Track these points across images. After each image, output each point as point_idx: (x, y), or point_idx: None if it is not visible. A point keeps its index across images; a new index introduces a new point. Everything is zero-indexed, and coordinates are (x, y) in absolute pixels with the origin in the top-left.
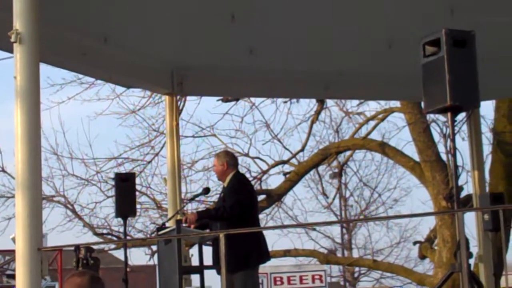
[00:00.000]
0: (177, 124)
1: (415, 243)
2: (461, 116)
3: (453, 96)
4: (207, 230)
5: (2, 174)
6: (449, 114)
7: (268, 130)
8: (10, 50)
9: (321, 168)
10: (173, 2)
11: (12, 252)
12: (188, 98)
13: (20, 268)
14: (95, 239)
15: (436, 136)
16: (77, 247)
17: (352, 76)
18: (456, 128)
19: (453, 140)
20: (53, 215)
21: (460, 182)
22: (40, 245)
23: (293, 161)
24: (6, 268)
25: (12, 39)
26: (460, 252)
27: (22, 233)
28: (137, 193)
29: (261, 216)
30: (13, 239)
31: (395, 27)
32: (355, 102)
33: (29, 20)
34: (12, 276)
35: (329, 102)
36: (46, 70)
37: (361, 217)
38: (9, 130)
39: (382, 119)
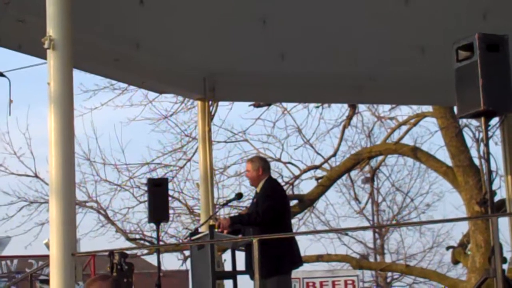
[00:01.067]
0: (210, 130)
1: (448, 248)
2: (495, 120)
3: (487, 101)
4: (240, 236)
5: (35, 180)
6: (482, 119)
7: (300, 135)
8: (44, 56)
9: (353, 173)
10: (205, 8)
11: (45, 257)
12: (220, 103)
13: (54, 273)
14: (128, 244)
15: (469, 141)
16: (111, 253)
17: (384, 80)
18: (490, 133)
19: (486, 145)
20: (86, 221)
21: (493, 187)
22: (74, 250)
23: (325, 166)
24: (39, 273)
25: (46, 45)
26: (494, 257)
27: (56, 239)
28: (169, 198)
29: (293, 221)
30: (46, 244)
31: (428, 32)
32: (387, 107)
33: (63, 26)
34: (46, 282)
35: (361, 107)
36: (79, 77)
37: (394, 222)
38: (42, 136)
39: (415, 124)
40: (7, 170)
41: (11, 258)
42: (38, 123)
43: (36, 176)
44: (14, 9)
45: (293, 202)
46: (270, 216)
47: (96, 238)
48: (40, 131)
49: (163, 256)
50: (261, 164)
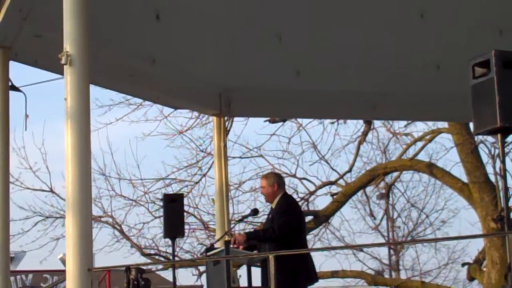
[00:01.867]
0: (225, 145)
1: (463, 264)
2: (511, 137)
3: (503, 117)
4: (255, 251)
5: (50, 195)
6: (499, 136)
7: (315, 151)
8: (60, 72)
9: (368, 189)
10: (221, 24)
11: (60, 272)
12: (236, 118)
13: None
14: (143, 259)
15: (485, 157)
16: (128, 268)
17: (399, 96)
18: (506, 149)
19: (503, 162)
20: (101, 236)
21: (510, 204)
22: (91, 265)
23: (341, 182)
24: None
25: (63, 61)
26: (511, 274)
27: (73, 254)
28: (184, 213)
29: (308, 237)
30: (61, 259)
31: (444, 48)
32: (403, 123)
33: (80, 42)
34: None
35: (377, 123)
36: (94, 92)
37: (409, 238)
38: (57, 151)
39: (430, 140)
40: (23, 184)
41: (26, 272)
42: (53, 138)
43: (51, 191)
44: (31, 24)
45: (308, 218)
46: (285, 232)
47: (111, 253)
48: (56, 146)
49: (178, 271)
50: (276, 180)
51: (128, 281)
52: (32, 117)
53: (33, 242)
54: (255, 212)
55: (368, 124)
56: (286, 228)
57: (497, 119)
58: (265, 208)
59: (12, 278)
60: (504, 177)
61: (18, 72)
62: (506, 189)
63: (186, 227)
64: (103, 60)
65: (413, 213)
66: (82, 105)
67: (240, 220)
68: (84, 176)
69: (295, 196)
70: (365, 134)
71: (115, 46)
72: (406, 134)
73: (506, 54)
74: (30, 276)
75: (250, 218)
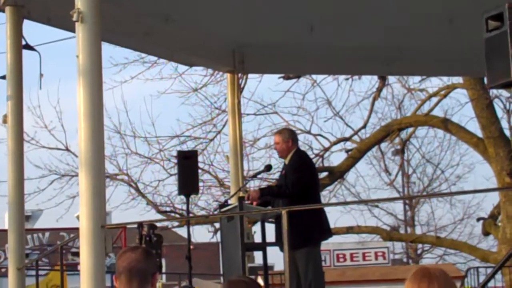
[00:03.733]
0: (239, 102)
1: (478, 219)
2: None
3: None
4: (269, 207)
5: (66, 153)
6: None
7: (329, 107)
8: (73, 30)
9: (383, 145)
10: None
11: (76, 230)
12: (250, 76)
13: (84, 246)
14: (159, 216)
15: (500, 112)
16: (140, 224)
17: (413, 52)
18: None
19: None
20: (116, 194)
21: None
22: (104, 222)
23: (355, 138)
24: (71, 245)
25: (74, 18)
26: None
27: (86, 211)
28: (199, 171)
29: (324, 193)
30: (78, 217)
31: (456, 2)
32: (417, 78)
33: None
34: (77, 254)
35: (391, 79)
36: (108, 50)
37: (424, 193)
38: (73, 109)
39: (445, 96)
40: (38, 143)
41: (43, 231)
42: (69, 97)
43: (67, 149)
44: None
45: (323, 174)
46: (299, 188)
47: (127, 210)
48: (71, 105)
49: (194, 228)
50: (291, 136)
51: (141, 237)
52: (47, 76)
53: (49, 201)
54: (268, 168)
55: (383, 80)
56: (300, 184)
57: (511, 73)
58: (279, 164)
59: (29, 236)
60: None
61: (33, 31)
62: None
63: (201, 184)
64: (117, 18)
65: (428, 169)
66: (94, 62)
67: (254, 176)
68: (97, 133)
69: (309, 152)
70: (379, 90)
71: (128, 4)
72: (421, 90)
73: None
74: (47, 234)
75: (265, 175)
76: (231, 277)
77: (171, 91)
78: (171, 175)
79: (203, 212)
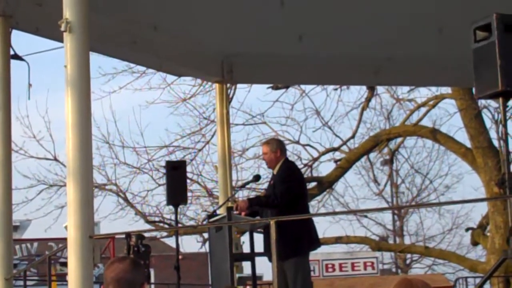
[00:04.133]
0: (228, 112)
1: (467, 229)
2: None
3: (505, 81)
4: (258, 217)
5: (54, 163)
6: (500, 100)
7: (318, 117)
8: (61, 39)
9: (372, 155)
10: None
11: (65, 240)
12: (238, 86)
13: (72, 256)
14: (147, 227)
15: (488, 122)
16: (128, 235)
17: (402, 61)
18: (508, 114)
19: (505, 126)
20: (105, 204)
21: None
22: (92, 232)
23: (344, 148)
24: (59, 256)
25: (62, 28)
26: None
27: (74, 221)
28: (188, 181)
29: (312, 203)
30: (66, 227)
31: (446, 12)
32: (406, 88)
33: (79, 9)
34: (66, 264)
35: (380, 89)
36: (97, 60)
37: (413, 203)
38: (61, 119)
39: (433, 106)
40: (27, 153)
41: (31, 241)
42: (57, 107)
43: (55, 159)
44: None
45: (311, 184)
46: (287, 198)
47: (115, 220)
48: (59, 115)
49: (182, 238)
50: (279, 146)
51: (129, 247)
52: (36, 86)
53: (38, 211)
54: (256, 178)
55: (371, 90)
56: (288, 194)
57: (499, 83)
58: (268, 175)
59: (17, 247)
60: (505, 141)
61: (22, 41)
62: (508, 153)
63: (190, 194)
64: (104, 27)
65: (417, 179)
66: (82, 72)
67: (242, 186)
68: (85, 143)
69: (298, 162)
70: (368, 100)
71: (116, 13)
72: (410, 100)
73: (507, 17)
74: (35, 244)
75: (253, 185)
76: (223, 286)
77: (160, 101)
78: (159, 185)
79: (191, 222)
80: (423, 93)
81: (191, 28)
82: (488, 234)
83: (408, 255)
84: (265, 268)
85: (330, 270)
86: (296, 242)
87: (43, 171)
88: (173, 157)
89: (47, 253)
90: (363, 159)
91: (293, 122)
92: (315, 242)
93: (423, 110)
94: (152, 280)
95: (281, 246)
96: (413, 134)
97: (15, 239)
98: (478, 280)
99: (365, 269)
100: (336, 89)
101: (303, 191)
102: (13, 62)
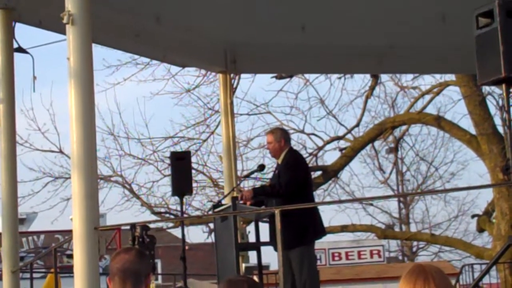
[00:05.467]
0: (232, 102)
1: (473, 216)
2: None
3: (508, 67)
4: (263, 207)
5: (60, 155)
6: (503, 86)
7: (322, 106)
8: (64, 32)
9: (377, 143)
10: None
11: (71, 232)
12: (242, 76)
13: (78, 247)
14: (153, 218)
15: (492, 109)
16: (133, 226)
17: (405, 50)
18: (511, 100)
19: (508, 112)
20: (111, 195)
21: None
22: (97, 224)
23: (349, 136)
24: (66, 248)
25: (65, 21)
26: None
27: (79, 213)
28: (193, 171)
29: (318, 192)
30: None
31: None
32: (410, 76)
33: (81, 1)
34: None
35: (384, 77)
36: (101, 52)
37: (418, 191)
38: (66, 112)
39: (438, 93)
40: (32, 146)
41: (38, 233)
42: (62, 99)
43: (60, 151)
44: None
45: (317, 173)
46: (292, 187)
47: (121, 212)
48: (64, 107)
49: (188, 229)
50: (283, 135)
51: (134, 238)
52: (41, 79)
53: (44, 203)
54: (261, 168)
55: (375, 78)
56: (293, 183)
57: (502, 69)
58: (272, 164)
59: (24, 239)
60: (509, 128)
61: (25, 34)
62: None
63: (196, 184)
64: (107, 19)
65: (422, 166)
66: (85, 64)
67: (247, 176)
68: (89, 135)
69: (303, 151)
70: (372, 88)
71: (119, 5)
72: (414, 88)
73: (510, 3)
74: (42, 236)
75: (258, 174)
76: (231, 276)
77: (164, 92)
78: (165, 176)
79: (197, 213)
80: (427, 80)
81: (193, 19)
82: (494, 220)
83: (414, 243)
84: (272, 258)
85: (336, 258)
86: (301, 231)
87: (48, 164)
88: (178, 148)
89: (53, 245)
90: (368, 147)
91: (297, 111)
92: (320, 231)
93: (427, 97)
94: (159, 270)
95: (286, 235)
96: (417, 121)
97: (21, 231)
98: (484, 267)
99: (371, 257)
100: (340, 78)
101: (308, 180)
102: (17, 55)
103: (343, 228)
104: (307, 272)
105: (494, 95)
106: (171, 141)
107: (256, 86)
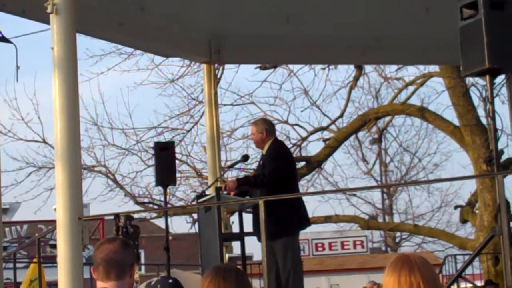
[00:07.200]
0: (216, 93)
1: (456, 207)
2: (500, 78)
3: (491, 59)
4: (248, 197)
5: (43, 145)
6: (487, 77)
7: (306, 97)
8: (48, 21)
9: (360, 134)
10: None
11: (55, 222)
12: (226, 66)
13: (61, 237)
14: (137, 208)
15: (476, 100)
16: (117, 216)
17: (389, 41)
18: (495, 91)
19: (492, 103)
20: (94, 185)
21: (500, 146)
22: (81, 214)
23: (332, 127)
24: (49, 238)
25: (49, 10)
26: (501, 215)
27: (63, 203)
28: (177, 161)
29: (301, 182)
30: (56, 210)
31: None
32: (394, 67)
33: None
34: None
35: (368, 68)
36: (84, 42)
37: (402, 182)
38: (49, 102)
39: (421, 84)
40: (15, 136)
41: (21, 223)
42: (45, 89)
43: (44, 141)
44: None
45: (300, 164)
46: (276, 177)
47: (105, 202)
48: (48, 97)
49: (172, 219)
50: (265, 126)
51: (118, 228)
52: (24, 69)
53: (27, 193)
54: (245, 158)
55: (359, 69)
56: (277, 173)
57: (485, 61)
58: (257, 154)
59: (7, 229)
60: (493, 119)
61: (8, 23)
62: (495, 130)
63: (180, 175)
64: (91, 9)
65: (406, 157)
66: (69, 54)
67: (230, 167)
68: (73, 125)
69: (287, 142)
70: (356, 79)
71: None
72: (398, 79)
73: None
74: (25, 226)
75: (242, 165)
76: (219, 264)
77: (148, 83)
78: (148, 166)
79: (181, 203)
80: (411, 71)
81: (178, 9)
82: (477, 211)
83: (398, 234)
84: (255, 248)
85: (320, 249)
86: (285, 221)
87: (32, 154)
88: (161, 138)
89: (37, 235)
90: (352, 138)
91: (281, 102)
92: (304, 221)
93: (411, 88)
94: (142, 261)
95: (270, 225)
96: (401, 112)
97: (4, 221)
98: (467, 257)
99: (354, 247)
100: (324, 69)
101: (292, 171)
102: (1, 45)
103: (327, 219)
104: (291, 263)
105: (477, 86)
106: (155, 131)
107: (240, 76)
